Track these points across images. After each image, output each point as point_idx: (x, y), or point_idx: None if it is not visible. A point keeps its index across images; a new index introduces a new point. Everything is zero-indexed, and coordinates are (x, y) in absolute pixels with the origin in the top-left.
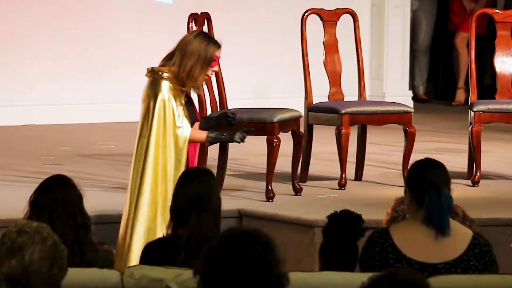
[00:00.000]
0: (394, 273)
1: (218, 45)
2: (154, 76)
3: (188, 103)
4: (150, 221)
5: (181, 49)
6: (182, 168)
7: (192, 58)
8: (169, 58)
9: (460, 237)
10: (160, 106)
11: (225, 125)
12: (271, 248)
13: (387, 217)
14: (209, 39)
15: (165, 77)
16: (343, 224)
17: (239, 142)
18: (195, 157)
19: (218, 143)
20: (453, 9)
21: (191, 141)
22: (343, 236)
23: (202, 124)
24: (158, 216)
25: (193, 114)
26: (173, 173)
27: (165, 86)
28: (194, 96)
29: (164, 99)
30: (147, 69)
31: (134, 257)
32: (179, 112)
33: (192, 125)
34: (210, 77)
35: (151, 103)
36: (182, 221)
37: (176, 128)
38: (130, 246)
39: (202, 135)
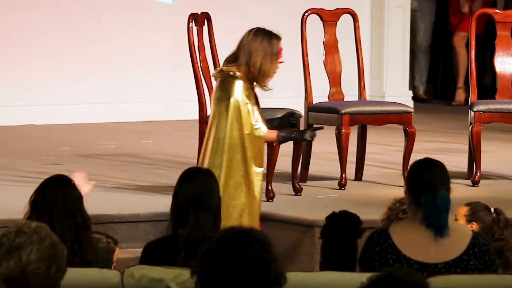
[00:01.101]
0: (393, 273)
1: (279, 38)
2: (225, 76)
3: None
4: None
5: (245, 48)
6: (262, 167)
7: (259, 55)
8: (231, 60)
9: (459, 236)
10: (235, 106)
11: (287, 125)
12: (268, 247)
13: (383, 216)
14: (270, 34)
15: (238, 76)
16: (342, 225)
17: (310, 141)
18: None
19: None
20: (452, 9)
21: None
22: (342, 237)
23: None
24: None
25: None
26: (255, 173)
27: (239, 85)
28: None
29: (239, 99)
30: (215, 70)
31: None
32: (255, 112)
33: None
34: (276, 71)
35: (226, 103)
36: (182, 221)
37: (253, 128)
38: None
39: (273, 134)
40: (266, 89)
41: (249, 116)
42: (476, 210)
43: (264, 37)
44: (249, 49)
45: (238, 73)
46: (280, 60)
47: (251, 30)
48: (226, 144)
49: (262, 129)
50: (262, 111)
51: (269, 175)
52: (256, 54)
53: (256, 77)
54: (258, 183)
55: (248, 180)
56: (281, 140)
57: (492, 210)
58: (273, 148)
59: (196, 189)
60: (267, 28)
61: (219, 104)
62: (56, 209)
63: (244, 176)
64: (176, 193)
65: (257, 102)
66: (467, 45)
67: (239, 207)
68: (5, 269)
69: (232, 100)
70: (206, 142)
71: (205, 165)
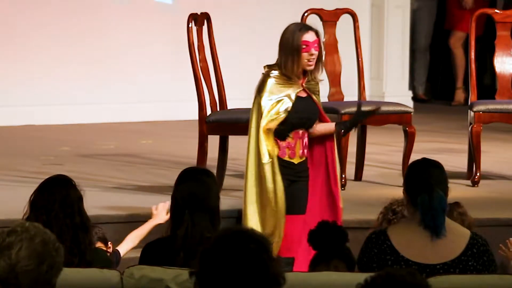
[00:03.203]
0: (394, 273)
1: (304, 29)
2: (263, 73)
3: (306, 99)
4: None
5: (279, 46)
6: (267, 160)
7: (282, 52)
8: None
9: (458, 237)
10: (257, 102)
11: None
12: (266, 247)
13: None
14: (297, 26)
15: (272, 75)
16: (325, 236)
17: (373, 112)
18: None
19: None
20: (450, 8)
21: (316, 134)
22: (331, 248)
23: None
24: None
25: (310, 109)
26: (261, 164)
27: (268, 83)
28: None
29: (262, 95)
30: (264, 66)
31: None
32: (279, 107)
33: (313, 120)
34: (310, 63)
35: (254, 100)
36: (180, 221)
37: (267, 120)
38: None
39: (330, 126)
40: (317, 81)
41: (269, 110)
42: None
43: (290, 31)
44: (279, 46)
45: (274, 72)
46: (310, 53)
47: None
48: (248, 136)
49: (262, 123)
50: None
51: None
52: (281, 51)
53: (286, 74)
54: (265, 174)
55: (259, 172)
56: (343, 129)
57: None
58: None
59: (192, 189)
60: (300, 22)
61: (253, 102)
62: (54, 209)
63: (256, 166)
64: (174, 193)
65: (308, 98)
66: (464, 45)
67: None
68: None
69: (256, 96)
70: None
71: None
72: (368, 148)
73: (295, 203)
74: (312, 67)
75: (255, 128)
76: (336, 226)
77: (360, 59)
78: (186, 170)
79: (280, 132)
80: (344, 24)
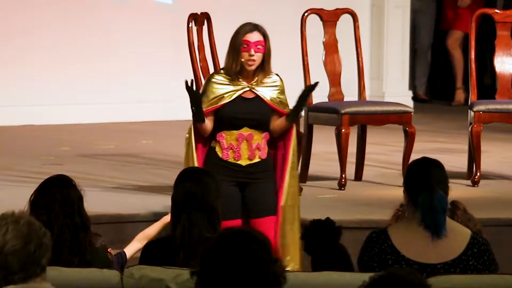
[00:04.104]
0: (395, 273)
1: (250, 29)
2: (212, 72)
3: (253, 99)
4: None
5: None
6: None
7: (228, 50)
8: None
9: (458, 237)
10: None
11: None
12: (267, 247)
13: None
14: (245, 25)
15: (215, 75)
16: (319, 234)
17: (313, 87)
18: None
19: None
20: (446, 8)
21: (276, 132)
22: (325, 245)
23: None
24: None
25: (253, 110)
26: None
27: (210, 83)
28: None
29: (203, 96)
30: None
31: None
32: (207, 102)
33: (260, 121)
34: (250, 62)
35: None
36: (179, 220)
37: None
38: None
39: (282, 120)
40: (256, 82)
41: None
42: None
43: (235, 32)
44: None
45: (218, 72)
46: (249, 53)
47: None
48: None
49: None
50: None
51: None
52: (227, 51)
53: (229, 74)
54: None
55: None
56: (291, 116)
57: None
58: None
59: (190, 188)
60: (251, 22)
61: None
62: (54, 209)
63: None
64: (173, 193)
65: (256, 99)
66: (462, 45)
67: None
68: None
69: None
70: None
71: None
72: (368, 148)
73: (227, 208)
74: (252, 67)
75: (188, 133)
76: (329, 223)
77: (360, 59)
78: (185, 170)
79: (196, 117)
80: (344, 24)
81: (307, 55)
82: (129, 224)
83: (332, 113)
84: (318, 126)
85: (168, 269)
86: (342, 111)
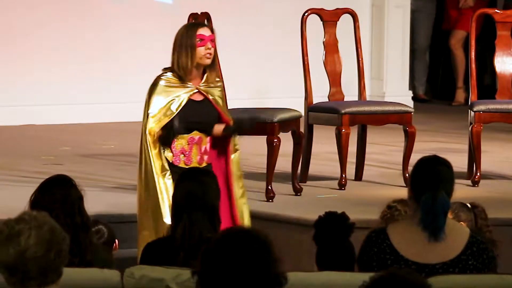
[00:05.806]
0: (395, 273)
1: (197, 26)
2: (157, 76)
3: (202, 102)
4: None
5: (172, 46)
6: (144, 162)
7: (176, 49)
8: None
9: (457, 236)
10: (147, 105)
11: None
12: (268, 247)
13: (381, 214)
14: (190, 24)
15: (163, 77)
16: (331, 225)
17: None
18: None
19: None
20: (449, 7)
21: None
22: (334, 238)
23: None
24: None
25: (204, 113)
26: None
27: (158, 85)
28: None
29: (152, 98)
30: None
31: None
32: (165, 108)
33: (209, 124)
34: (208, 56)
35: (144, 103)
36: (180, 220)
37: (148, 122)
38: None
39: (219, 128)
40: (217, 84)
41: (156, 113)
42: (457, 212)
43: (181, 30)
44: (172, 48)
45: (166, 74)
46: (206, 47)
47: None
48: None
49: (149, 125)
50: (255, 111)
51: (269, 175)
52: (174, 50)
53: (180, 73)
54: (160, 187)
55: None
56: (228, 132)
57: (469, 205)
58: (273, 148)
59: (190, 188)
60: (193, 21)
61: (144, 105)
62: (55, 209)
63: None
64: (174, 192)
65: (206, 102)
66: (464, 46)
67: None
68: (5, 256)
69: (146, 99)
70: None
71: None
72: (368, 148)
73: None
74: (209, 61)
75: (144, 134)
76: (343, 217)
77: (360, 59)
78: (186, 170)
79: (163, 139)
80: (344, 24)
81: (307, 55)
82: (129, 224)
83: (332, 113)
84: (318, 126)
85: (169, 269)
86: (342, 111)
